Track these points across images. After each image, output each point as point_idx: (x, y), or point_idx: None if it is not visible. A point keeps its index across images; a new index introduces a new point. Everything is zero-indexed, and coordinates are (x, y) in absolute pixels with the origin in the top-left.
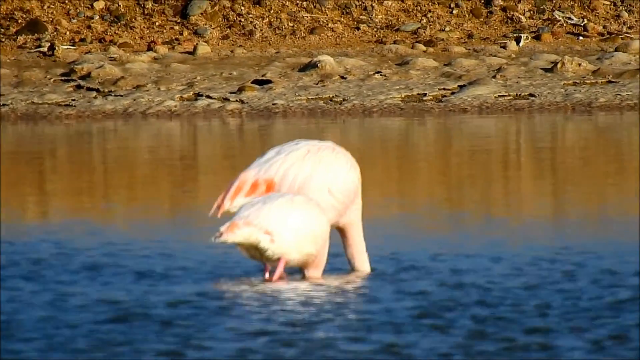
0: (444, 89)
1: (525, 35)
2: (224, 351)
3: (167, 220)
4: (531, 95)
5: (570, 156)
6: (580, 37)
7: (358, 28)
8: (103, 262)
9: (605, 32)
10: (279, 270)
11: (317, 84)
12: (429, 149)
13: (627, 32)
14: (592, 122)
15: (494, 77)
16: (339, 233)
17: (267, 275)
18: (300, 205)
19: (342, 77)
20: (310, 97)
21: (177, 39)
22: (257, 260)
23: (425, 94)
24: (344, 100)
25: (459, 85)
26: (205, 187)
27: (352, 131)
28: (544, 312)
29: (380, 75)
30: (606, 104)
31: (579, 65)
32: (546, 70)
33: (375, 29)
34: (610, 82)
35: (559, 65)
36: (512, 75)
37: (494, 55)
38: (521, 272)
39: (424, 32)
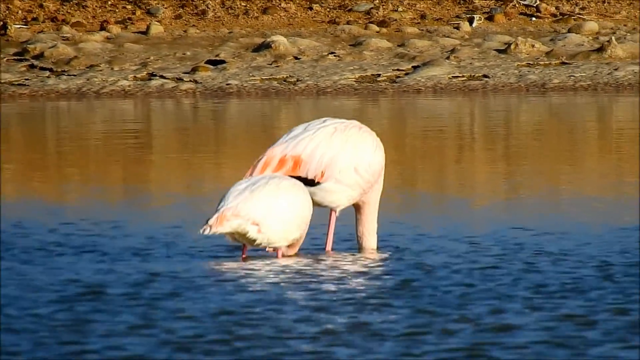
0: (398, 69)
1: (478, 16)
2: (184, 330)
3: (120, 199)
4: (485, 76)
5: (523, 137)
6: (533, 18)
7: (311, 8)
8: (55, 240)
9: (558, 13)
10: (280, 253)
11: (270, 64)
12: (383, 130)
13: (580, 13)
14: (545, 103)
15: (448, 58)
16: (354, 208)
17: (244, 255)
18: (286, 190)
19: (296, 58)
20: (264, 78)
21: (129, 19)
22: (243, 244)
23: (379, 75)
24: (297, 80)
25: (412, 66)
26: (158, 167)
27: (306, 111)
28: (501, 291)
29: (334, 55)
30: (560, 85)
31: (533, 46)
32: (499, 51)
33: (328, 9)
34: (563, 63)
35: (512, 47)
36: (466, 56)
37: (447, 36)
38: (477, 252)
39: (377, 13)
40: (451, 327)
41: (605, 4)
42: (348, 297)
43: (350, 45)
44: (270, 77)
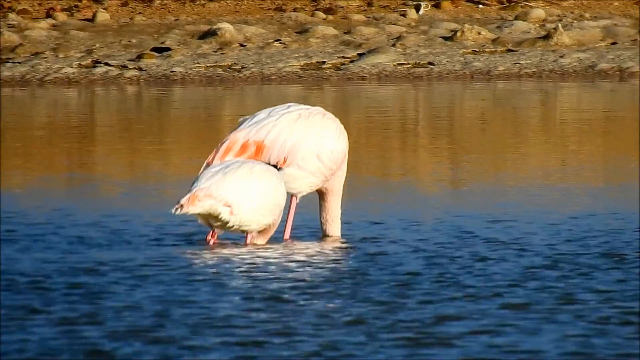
0: (343, 57)
1: (425, 3)
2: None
3: (64, 187)
4: (430, 63)
5: (467, 124)
6: (480, 6)
7: None
8: None
9: (505, 1)
10: (249, 239)
11: (216, 51)
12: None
13: (526, 1)
14: (490, 90)
15: (394, 45)
16: (318, 195)
17: (210, 239)
18: (259, 175)
19: (242, 45)
20: (209, 65)
21: (76, 6)
22: (214, 228)
23: (324, 62)
24: (242, 68)
25: (358, 54)
26: (102, 155)
27: (250, 99)
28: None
29: (280, 43)
30: (505, 72)
31: (479, 33)
32: (446, 38)
33: None
34: (509, 50)
35: (458, 34)
36: (412, 44)
37: (394, 24)
38: (425, 241)
39: (324, 0)
40: (396, 316)
41: None
42: (293, 286)
43: (296, 32)
44: (215, 64)
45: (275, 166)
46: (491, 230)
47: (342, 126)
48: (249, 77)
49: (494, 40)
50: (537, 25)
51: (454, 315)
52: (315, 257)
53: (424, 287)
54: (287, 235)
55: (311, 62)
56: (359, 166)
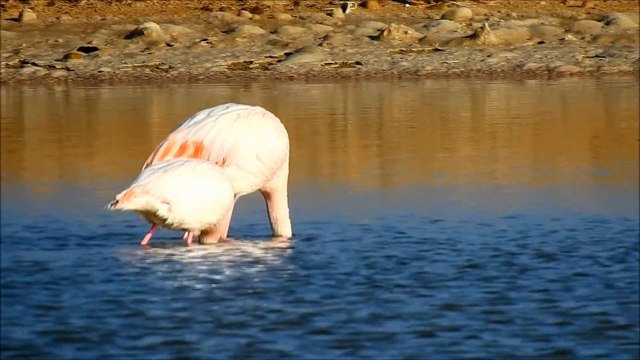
0: (271, 56)
1: (351, 2)
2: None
3: None
4: (358, 63)
5: (396, 123)
6: (407, 5)
7: None
8: None
9: (432, 0)
10: (190, 237)
11: (143, 51)
12: None
13: (453, 0)
14: (418, 89)
15: (321, 44)
16: (263, 197)
17: (146, 240)
18: (202, 173)
19: (169, 45)
20: (136, 65)
21: (2, 6)
22: (160, 226)
23: (251, 62)
24: (170, 67)
25: (285, 53)
26: (30, 155)
27: (178, 99)
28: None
29: (207, 42)
30: (433, 72)
31: (406, 33)
32: (373, 38)
33: None
34: (436, 50)
35: (385, 33)
36: (339, 43)
37: (321, 23)
38: (358, 240)
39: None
40: (329, 317)
41: None
42: (221, 285)
43: (222, 32)
44: (143, 64)
45: None
46: (421, 230)
47: (282, 125)
48: (176, 77)
49: (421, 40)
50: (464, 24)
51: (388, 315)
52: (246, 257)
53: (356, 287)
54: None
55: (238, 62)
56: (289, 166)
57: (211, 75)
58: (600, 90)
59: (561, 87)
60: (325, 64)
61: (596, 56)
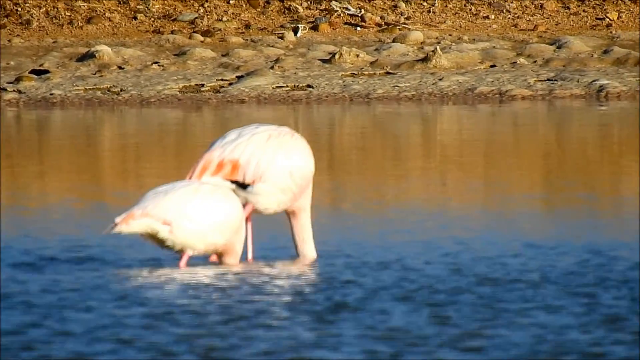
0: (222, 79)
1: (302, 25)
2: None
3: None
4: (309, 86)
5: (347, 146)
6: (358, 28)
7: (135, 18)
8: None
9: (383, 23)
10: (184, 259)
11: (94, 74)
12: (206, 139)
13: (404, 23)
14: (369, 113)
15: (272, 67)
16: (288, 217)
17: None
18: (205, 194)
19: (120, 67)
20: (87, 88)
21: None
22: (162, 248)
23: (203, 85)
24: (121, 90)
25: (236, 76)
26: None
27: (130, 121)
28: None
29: (158, 65)
30: (384, 95)
31: (357, 56)
32: (324, 61)
33: (152, 19)
34: (388, 73)
35: (336, 57)
36: (290, 66)
37: (272, 46)
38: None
39: (202, 22)
40: (251, 336)
41: (430, 14)
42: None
43: (174, 55)
44: (94, 86)
45: (247, 185)
46: (368, 252)
47: (309, 146)
48: (128, 100)
49: (372, 63)
50: (416, 47)
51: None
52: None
53: (313, 310)
54: (249, 255)
55: (190, 85)
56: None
57: (163, 98)
58: (552, 113)
59: (513, 110)
60: (276, 86)
61: (548, 80)
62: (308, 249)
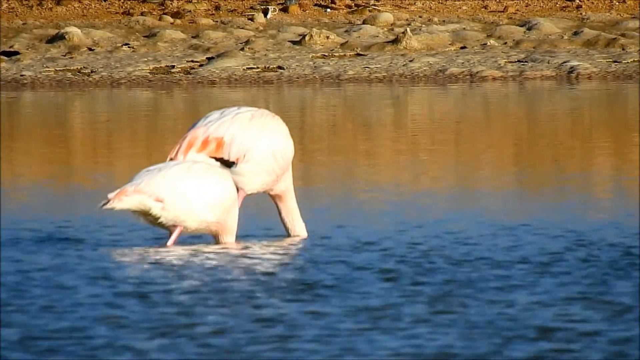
0: (192, 61)
1: (272, 7)
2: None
3: None
4: (279, 67)
5: (317, 128)
6: (328, 10)
7: (105, 0)
8: None
9: (353, 5)
10: (174, 236)
11: (64, 55)
12: (177, 121)
13: (374, 5)
14: (340, 94)
15: (242, 49)
16: (273, 201)
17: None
18: (197, 173)
19: (90, 49)
20: (58, 69)
21: None
22: (153, 226)
23: (173, 66)
24: (91, 72)
25: (207, 58)
26: None
27: (100, 103)
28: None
29: (128, 47)
30: (355, 76)
31: (327, 38)
32: (294, 42)
33: (122, 0)
34: (358, 54)
35: (307, 38)
36: (261, 48)
37: (242, 28)
38: (279, 247)
39: (171, 4)
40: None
41: None
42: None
43: (144, 36)
44: (65, 68)
45: (232, 163)
46: (337, 233)
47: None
48: (98, 81)
49: (342, 45)
50: (386, 29)
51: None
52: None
53: (286, 287)
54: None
55: (160, 66)
56: None
57: (133, 80)
58: (522, 94)
59: (483, 91)
60: (247, 68)
61: (518, 61)
62: (299, 229)
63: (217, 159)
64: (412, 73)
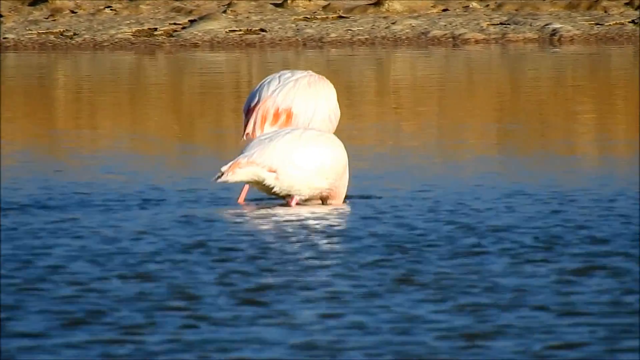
0: (175, 23)
1: None
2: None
3: None
4: (262, 30)
5: None
6: None
7: None
8: None
9: None
10: (294, 201)
11: (47, 18)
12: (160, 83)
13: None
14: (323, 57)
15: (225, 12)
16: None
17: (241, 200)
18: (309, 140)
19: (73, 12)
20: (40, 32)
21: None
22: (268, 195)
23: (156, 29)
24: (74, 34)
25: (189, 20)
26: None
27: (83, 66)
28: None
29: (111, 9)
30: (337, 39)
31: (309, 0)
32: (277, 5)
33: None
34: (341, 17)
35: (289, 1)
36: (243, 10)
37: None
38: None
39: None
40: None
41: None
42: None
43: None
44: (47, 31)
45: None
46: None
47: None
48: (81, 44)
49: (325, 7)
50: None
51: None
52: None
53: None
54: (241, 197)
55: (143, 29)
56: (196, 133)
57: (116, 42)
58: (505, 57)
59: (466, 54)
60: (229, 30)
61: (501, 24)
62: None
63: None
64: (395, 36)
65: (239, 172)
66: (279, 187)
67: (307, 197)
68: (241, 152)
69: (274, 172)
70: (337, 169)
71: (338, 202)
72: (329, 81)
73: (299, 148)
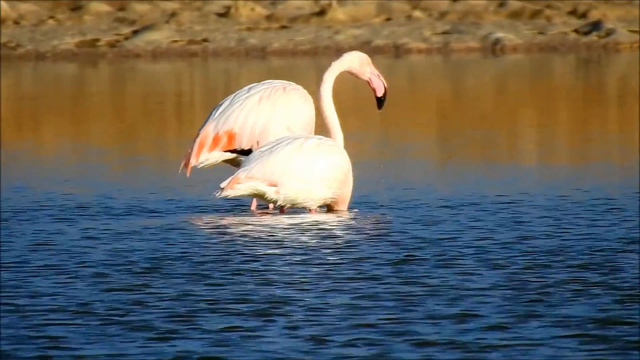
0: (118, 34)
1: None
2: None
3: None
4: (205, 40)
5: None
6: None
7: None
8: None
9: None
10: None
11: None
12: (103, 94)
13: None
14: (265, 66)
15: (168, 22)
16: None
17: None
18: (309, 150)
19: (16, 22)
20: None
21: None
22: (275, 206)
23: (99, 39)
24: (17, 45)
25: (132, 31)
26: None
27: (26, 76)
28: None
29: (54, 20)
30: (280, 49)
31: (252, 9)
32: (220, 15)
33: None
34: (284, 27)
35: (232, 10)
36: (186, 20)
37: (168, 0)
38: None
39: None
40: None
41: None
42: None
43: (70, 9)
44: None
45: (250, 150)
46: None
47: (305, 92)
48: (24, 55)
49: (268, 17)
50: (312, 1)
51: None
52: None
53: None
54: (253, 205)
55: (86, 40)
56: (135, 141)
57: (58, 53)
58: (447, 66)
59: (408, 63)
60: (172, 41)
61: (444, 33)
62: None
63: (232, 151)
64: (337, 45)
65: (238, 187)
66: (281, 200)
67: (312, 207)
68: (242, 165)
69: (275, 185)
70: (339, 176)
71: (343, 208)
72: (294, 89)
73: (299, 159)
